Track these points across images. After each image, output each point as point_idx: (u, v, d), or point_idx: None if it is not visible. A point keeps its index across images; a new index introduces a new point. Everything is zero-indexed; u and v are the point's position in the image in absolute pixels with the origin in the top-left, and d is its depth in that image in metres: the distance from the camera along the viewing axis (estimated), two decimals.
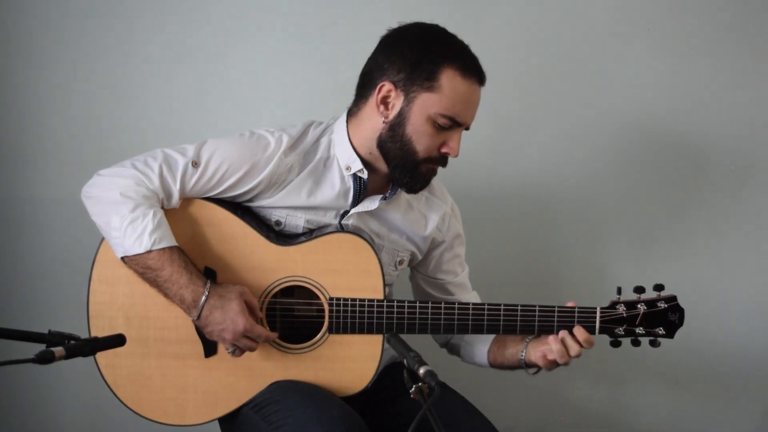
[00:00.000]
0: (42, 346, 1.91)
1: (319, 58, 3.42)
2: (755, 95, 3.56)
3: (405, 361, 2.04)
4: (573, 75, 3.53)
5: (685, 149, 3.57)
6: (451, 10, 3.40)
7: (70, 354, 1.92)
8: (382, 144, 2.61)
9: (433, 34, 2.60)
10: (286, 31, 3.44)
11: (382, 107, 2.59)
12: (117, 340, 2.09)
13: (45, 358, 1.85)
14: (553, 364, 2.61)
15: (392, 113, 2.58)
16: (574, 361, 3.41)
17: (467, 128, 2.63)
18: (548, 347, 2.59)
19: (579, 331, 2.58)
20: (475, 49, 2.60)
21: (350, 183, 2.67)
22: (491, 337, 2.82)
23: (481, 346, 2.84)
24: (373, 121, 2.61)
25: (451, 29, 2.62)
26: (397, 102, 2.57)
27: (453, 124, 2.56)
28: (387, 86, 2.56)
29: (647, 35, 3.52)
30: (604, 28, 3.53)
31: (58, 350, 1.89)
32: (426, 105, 2.53)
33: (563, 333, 2.59)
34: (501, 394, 3.43)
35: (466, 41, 2.61)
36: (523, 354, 2.68)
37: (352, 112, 2.69)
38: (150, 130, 3.41)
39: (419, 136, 2.56)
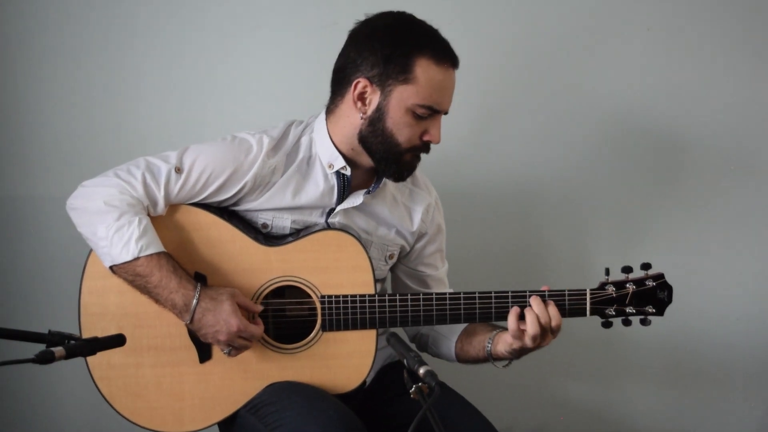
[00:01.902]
0: (42, 346, 1.90)
1: (319, 58, 3.38)
2: (755, 95, 3.58)
3: (405, 361, 2.04)
4: (573, 74, 3.55)
5: (684, 149, 3.58)
6: (450, 11, 3.41)
7: (70, 354, 1.91)
8: (363, 139, 2.62)
9: (401, 24, 2.61)
10: (285, 31, 3.44)
11: (359, 103, 2.59)
12: (117, 340, 2.08)
13: (45, 358, 1.84)
14: (519, 344, 2.56)
15: (370, 108, 2.58)
16: (574, 360, 3.43)
17: (446, 113, 2.64)
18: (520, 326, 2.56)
19: (551, 306, 2.57)
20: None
21: (334, 180, 2.68)
22: (462, 327, 2.81)
23: (451, 336, 2.83)
24: (351, 118, 2.62)
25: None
26: (373, 97, 2.57)
27: (432, 112, 2.57)
28: (362, 82, 2.57)
29: (647, 35, 3.55)
30: (604, 27, 3.54)
31: (58, 350, 1.88)
32: (403, 97, 2.54)
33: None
34: (501, 394, 3.42)
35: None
36: (490, 343, 2.66)
37: (329, 110, 2.69)
38: (149, 130, 3.40)
39: (400, 128, 2.57)
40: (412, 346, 2.46)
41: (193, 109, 3.43)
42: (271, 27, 3.44)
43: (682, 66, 3.57)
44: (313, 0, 3.45)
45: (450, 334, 2.82)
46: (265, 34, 3.44)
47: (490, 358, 2.68)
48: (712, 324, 3.64)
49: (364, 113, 2.59)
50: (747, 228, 3.64)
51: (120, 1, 3.39)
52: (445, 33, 2.62)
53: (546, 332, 2.55)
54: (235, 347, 2.52)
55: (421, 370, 1.96)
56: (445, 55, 2.56)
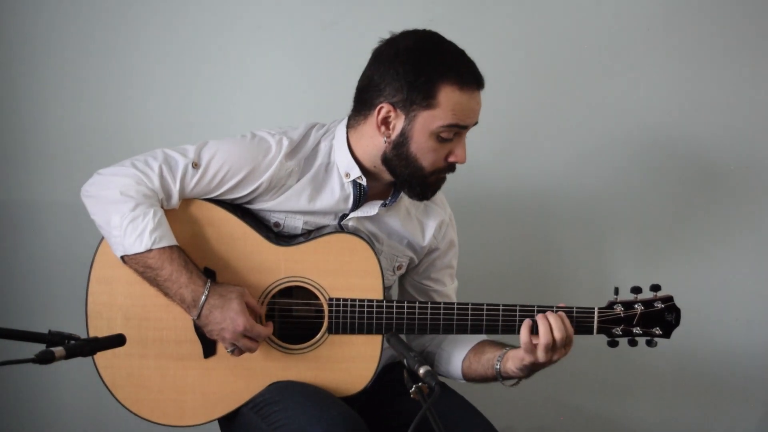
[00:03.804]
0: (42, 346, 1.91)
1: (319, 59, 3.42)
2: (755, 95, 3.56)
3: (405, 361, 2.04)
4: (572, 76, 3.53)
5: (684, 150, 3.57)
6: (452, 12, 3.40)
7: (70, 354, 1.92)
8: (387, 161, 2.61)
9: (426, 47, 2.57)
10: (286, 31, 3.44)
11: (383, 128, 2.57)
12: (117, 340, 2.09)
13: (45, 358, 1.85)
14: (530, 358, 2.53)
15: (394, 133, 2.57)
16: (574, 361, 3.42)
17: (475, 123, 2.61)
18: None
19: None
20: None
21: (350, 189, 2.67)
22: (470, 345, 2.79)
23: (458, 353, 2.80)
24: (375, 140, 2.61)
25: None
26: (397, 122, 2.56)
27: (458, 129, 2.55)
28: (386, 108, 2.55)
29: (647, 35, 3.52)
30: (603, 28, 3.53)
31: (58, 350, 1.89)
32: (427, 122, 2.52)
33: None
34: (501, 394, 3.40)
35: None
36: (499, 360, 2.65)
37: (351, 125, 2.67)
38: (150, 132, 3.40)
39: (424, 153, 2.56)
40: None
41: (194, 110, 3.44)
42: (271, 27, 3.44)
43: (685, 69, 3.56)
44: (313, 0, 3.44)
45: (457, 352, 2.80)
46: (266, 34, 3.44)
47: (499, 376, 2.66)
48: (713, 325, 3.63)
49: (389, 137, 2.58)
50: (747, 228, 3.62)
51: (120, 3, 3.39)
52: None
53: (557, 344, 2.54)
54: (238, 347, 2.53)
55: (421, 370, 1.96)
56: (469, 79, 2.54)
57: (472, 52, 2.59)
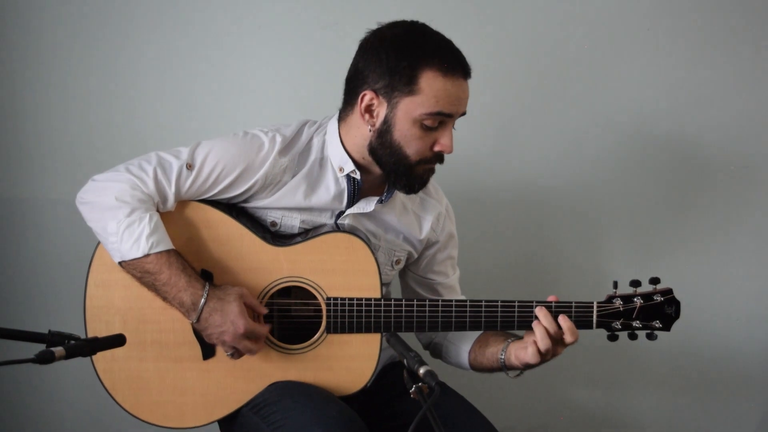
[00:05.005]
0: (42, 346, 1.91)
1: (318, 59, 3.42)
2: (755, 95, 3.56)
3: (405, 361, 2.04)
4: (572, 75, 3.54)
5: (684, 149, 3.57)
6: (451, 11, 3.41)
7: (70, 354, 1.91)
8: (373, 151, 2.60)
9: (410, 35, 2.56)
10: (284, 31, 3.44)
11: (367, 116, 2.57)
12: (117, 340, 2.08)
13: (45, 358, 1.85)
14: (535, 357, 2.56)
15: (378, 121, 2.56)
16: (574, 360, 3.43)
17: (463, 114, 2.59)
18: (530, 337, 2.57)
19: (563, 319, 2.56)
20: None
21: (344, 184, 2.67)
22: (475, 337, 2.80)
23: (464, 345, 2.82)
24: (361, 129, 2.60)
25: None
26: (380, 110, 2.55)
27: (440, 122, 2.53)
28: (369, 95, 2.54)
29: (647, 35, 3.53)
30: (604, 28, 3.53)
31: (58, 350, 1.88)
32: (409, 109, 2.51)
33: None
34: (501, 394, 3.43)
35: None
36: (503, 354, 2.65)
37: (341, 117, 2.67)
38: (148, 131, 3.40)
39: (408, 141, 2.54)
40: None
41: (193, 110, 3.44)
42: (271, 27, 3.44)
43: (685, 69, 3.56)
44: (313, 0, 3.45)
45: (462, 344, 2.82)
46: (266, 34, 3.44)
47: (505, 369, 2.67)
48: (712, 324, 3.64)
49: (373, 125, 2.57)
50: (747, 228, 3.63)
51: (121, 3, 3.39)
52: (455, 37, 2.59)
53: (558, 344, 2.56)
54: (239, 350, 2.53)
55: (421, 370, 1.96)
56: (453, 66, 2.52)
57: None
